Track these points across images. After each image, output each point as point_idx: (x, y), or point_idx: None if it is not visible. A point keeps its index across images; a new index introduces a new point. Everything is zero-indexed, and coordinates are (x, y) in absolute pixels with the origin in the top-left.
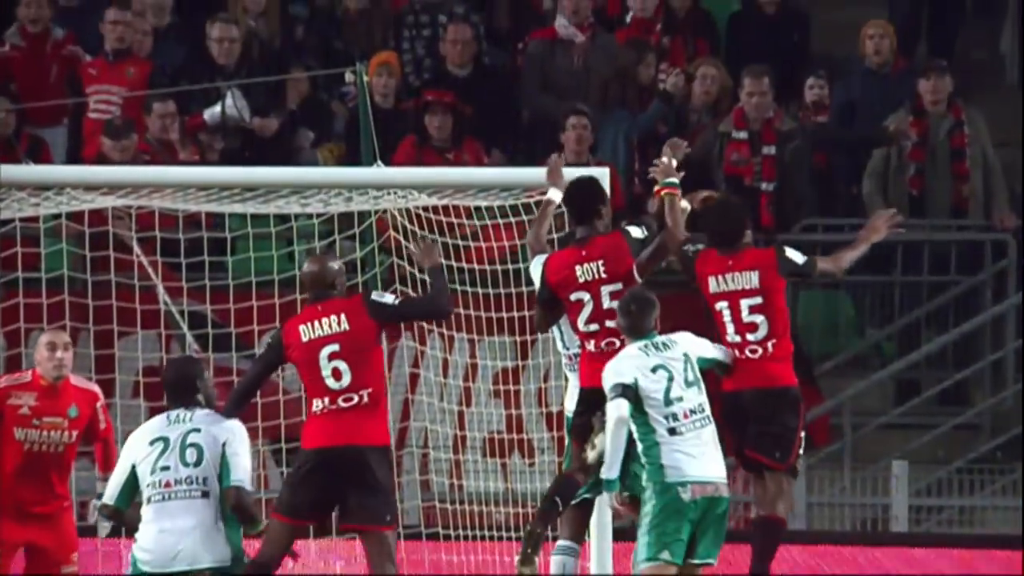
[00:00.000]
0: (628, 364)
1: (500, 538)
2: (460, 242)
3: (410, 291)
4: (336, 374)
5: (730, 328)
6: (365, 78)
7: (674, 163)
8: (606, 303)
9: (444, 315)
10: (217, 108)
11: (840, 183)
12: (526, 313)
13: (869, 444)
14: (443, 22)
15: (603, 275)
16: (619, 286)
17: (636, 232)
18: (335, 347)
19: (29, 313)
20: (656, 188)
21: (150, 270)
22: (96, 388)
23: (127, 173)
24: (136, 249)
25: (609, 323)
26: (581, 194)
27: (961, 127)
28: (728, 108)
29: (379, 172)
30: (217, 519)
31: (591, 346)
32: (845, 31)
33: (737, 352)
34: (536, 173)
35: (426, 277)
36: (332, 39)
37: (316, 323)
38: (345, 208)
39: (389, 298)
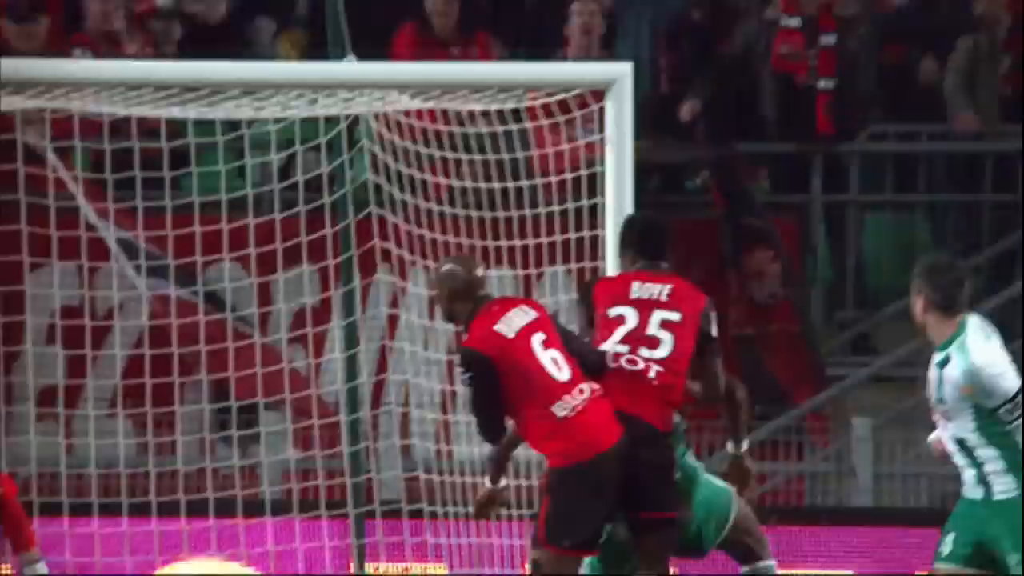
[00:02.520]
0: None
1: (497, 516)
2: (450, 154)
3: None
4: (556, 364)
5: None
6: None
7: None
8: (651, 329)
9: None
10: None
11: (916, 81)
12: (529, 242)
13: None
14: None
15: (664, 299)
16: (677, 317)
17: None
18: (542, 335)
19: None
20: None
21: (71, 186)
22: None
23: (37, 67)
24: (52, 161)
25: (644, 351)
26: (658, 231)
27: None
28: None
29: (350, 68)
30: None
31: (610, 362)
32: None
33: None
34: (542, 69)
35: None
36: None
37: (508, 316)
38: (309, 112)
39: None
